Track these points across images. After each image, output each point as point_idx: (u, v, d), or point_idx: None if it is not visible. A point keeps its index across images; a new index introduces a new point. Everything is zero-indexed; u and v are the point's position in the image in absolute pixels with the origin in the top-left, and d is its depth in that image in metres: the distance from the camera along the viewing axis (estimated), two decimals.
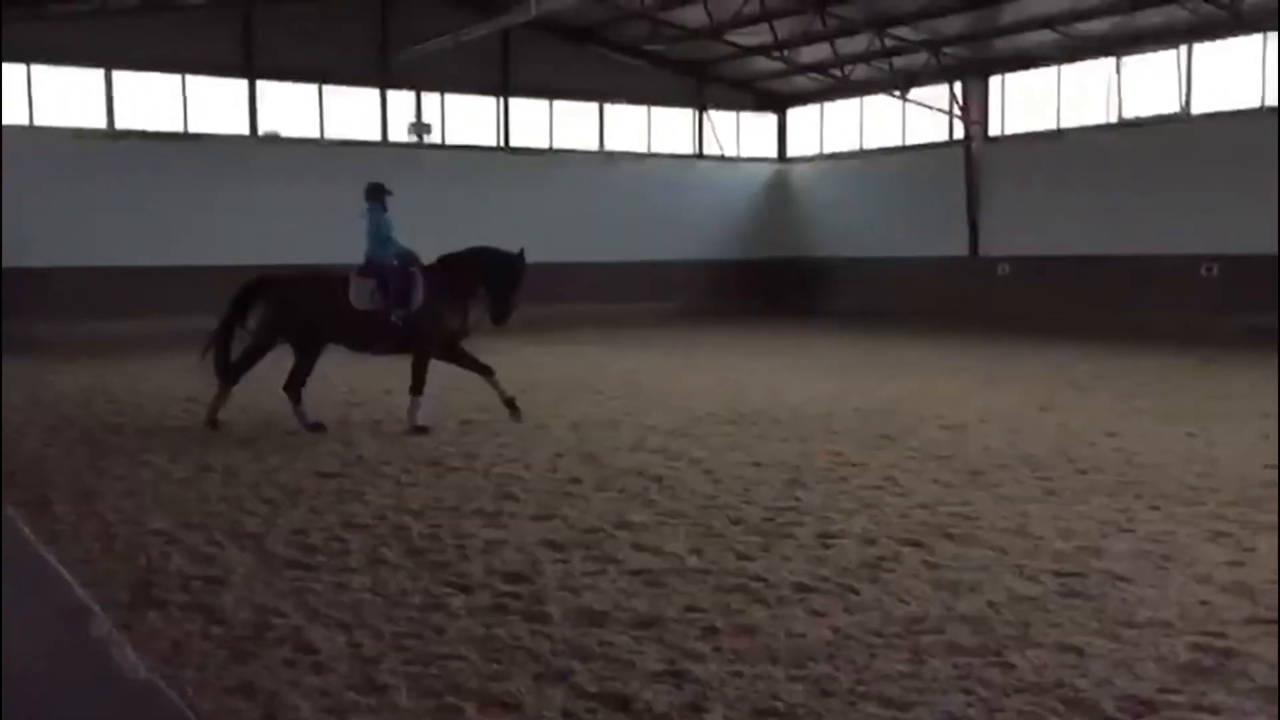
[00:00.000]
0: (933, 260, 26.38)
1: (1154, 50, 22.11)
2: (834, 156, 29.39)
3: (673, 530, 6.58)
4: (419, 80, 25.56)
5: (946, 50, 24.36)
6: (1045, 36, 22.71)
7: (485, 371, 10.86)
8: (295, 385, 10.49)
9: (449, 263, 10.89)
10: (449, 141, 26.56)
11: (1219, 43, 21.05)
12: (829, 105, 29.30)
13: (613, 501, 7.38)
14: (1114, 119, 23.08)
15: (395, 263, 10.78)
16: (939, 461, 8.65)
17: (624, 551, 6.11)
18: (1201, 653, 4.47)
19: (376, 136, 25.73)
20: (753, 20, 22.80)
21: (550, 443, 9.64)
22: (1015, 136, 25.19)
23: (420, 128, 26.18)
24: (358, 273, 10.79)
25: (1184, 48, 21.64)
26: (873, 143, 28.36)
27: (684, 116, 29.38)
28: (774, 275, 29.61)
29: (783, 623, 4.91)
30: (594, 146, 28.26)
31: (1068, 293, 23.38)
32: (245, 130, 24.19)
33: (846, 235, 28.29)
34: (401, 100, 25.98)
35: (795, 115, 30.50)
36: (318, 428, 10.31)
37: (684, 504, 7.27)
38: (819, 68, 25.73)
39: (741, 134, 30.34)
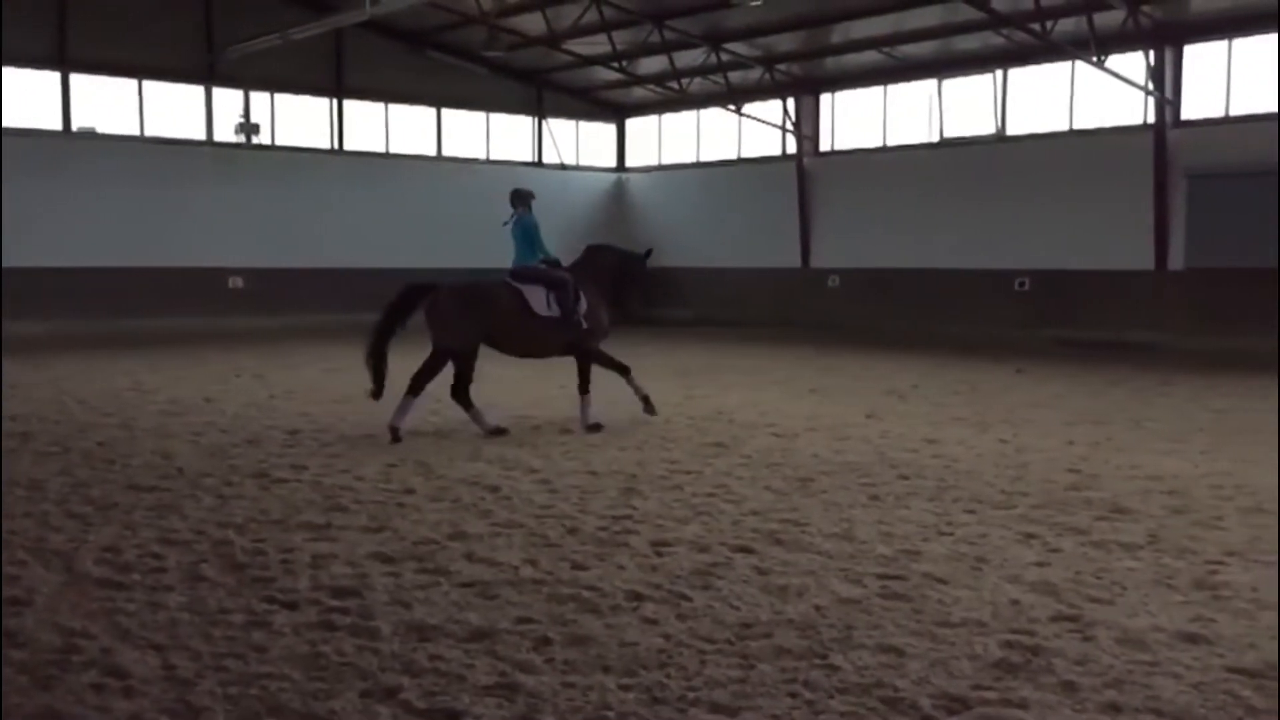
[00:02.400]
0: (767, 271, 27.03)
1: (972, 74, 23.22)
2: (672, 167, 29.80)
3: (507, 540, 6.53)
4: (247, 78, 24.75)
5: (780, 67, 25.03)
6: (872, 57, 23.59)
7: (623, 370, 11.33)
8: (464, 392, 10.53)
9: (588, 264, 11.39)
10: (279, 142, 25.80)
11: (1031, 68, 22.25)
12: (667, 117, 29.71)
13: (447, 512, 7.27)
14: (936, 138, 24.11)
15: (546, 266, 11.01)
16: (770, 469, 8.84)
17: (457, 563, 6.03)
18: (1011, 650, 4.68)
19: (201, 135, 24.79)
20: (592, 30, 22.92)
21: (383, 453, 9.45)
22: (844, 152, 26.05)
23: (248, 128, 25.36)
24: (514, 278, 10.89)
25: (999, 72, 22.80)
26: (710, 155, 28.88)
27: (523, 124, 29.32)
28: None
29: (616, 632, 4.92)
30: (431, 151, 27.92)
31: (893, 304, 24.29)
32: (59, 126, 22.97)
33: (684, 245, 28.70)
34: (228, 98, 25.11)
35: (634, 125, 30.81)
36: (500, 431, 10.37)
37: (519, 514, 7.22)
38: (657, 79, 26.07)
39: (581, 143, 30.47)
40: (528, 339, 10.81)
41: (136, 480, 8.20)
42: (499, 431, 10.40)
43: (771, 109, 26.44)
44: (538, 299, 10.71)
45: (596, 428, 10.67)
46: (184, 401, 12.62)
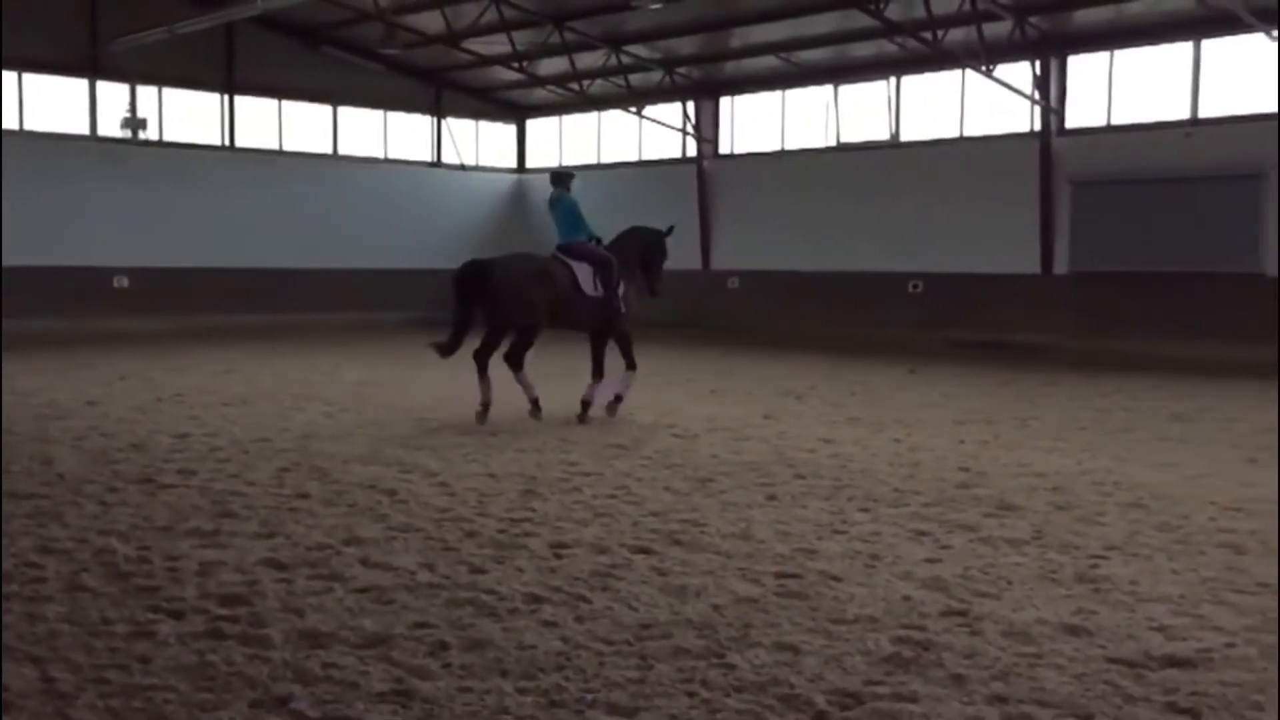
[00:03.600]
0: (667, 273, 27.03)
1: (867, 80, 23.67)
2: (573, 169, 29.71)
3: (404, 545, 6.44)
4: (134, 72, 24.01)
5: (680, 70, 25.19)
6: (770, 62, 23.89)
7: (631, 365, 12.13)
8: (519, 358, 11.11)
9: (619, 245, 11.90)
10: (167, 138, 25.10)
11: (924, 75, 22.77)
12: (568, 118, 29.67)
13: (342, 516, 7.14)
14: (833, 143, 24.52)
15: (590, 243, 11.59)
16: (670, 469, 8.88)
17: (352, 568, 5.93)
18: (903, 645, 4.78)
19: (84, 130, 23.97)
20: (491, 30, 22.77)
21: (275, 457, 9.24)
22: (744, 156, 26.33)
23: (134, 122, 24.58)
24: (565, 253, 11.46)
25: (893, 79, 23.29)
26: (610, 157, 28.92)
27: (422, 123, 29.00)
28: None
29: (514, 635, 4.89)
30: (327, 150, 27.45)
31: (791, 306, 24.62)
32: None
33: None
34: (113, 93, 24.32)
35: (535, 126, 30.70)
36: (537, 407, 11.09)
37: (417, 518, 7.13)
38: (558, 80, 26.02)
39: (480, 143, 30.25)
40: (575, 316, 11.50)
41: (14, 487, 7.89)
42: (535, 409, 11.13)
43: (672, 112, 26.60)
44: (586, 278, 11.33)
45: (617, 404, 11.68)
46: (65, 405, 12.17)
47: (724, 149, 26.71)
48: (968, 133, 22.54)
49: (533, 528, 6.89)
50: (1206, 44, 19.27)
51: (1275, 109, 18.39)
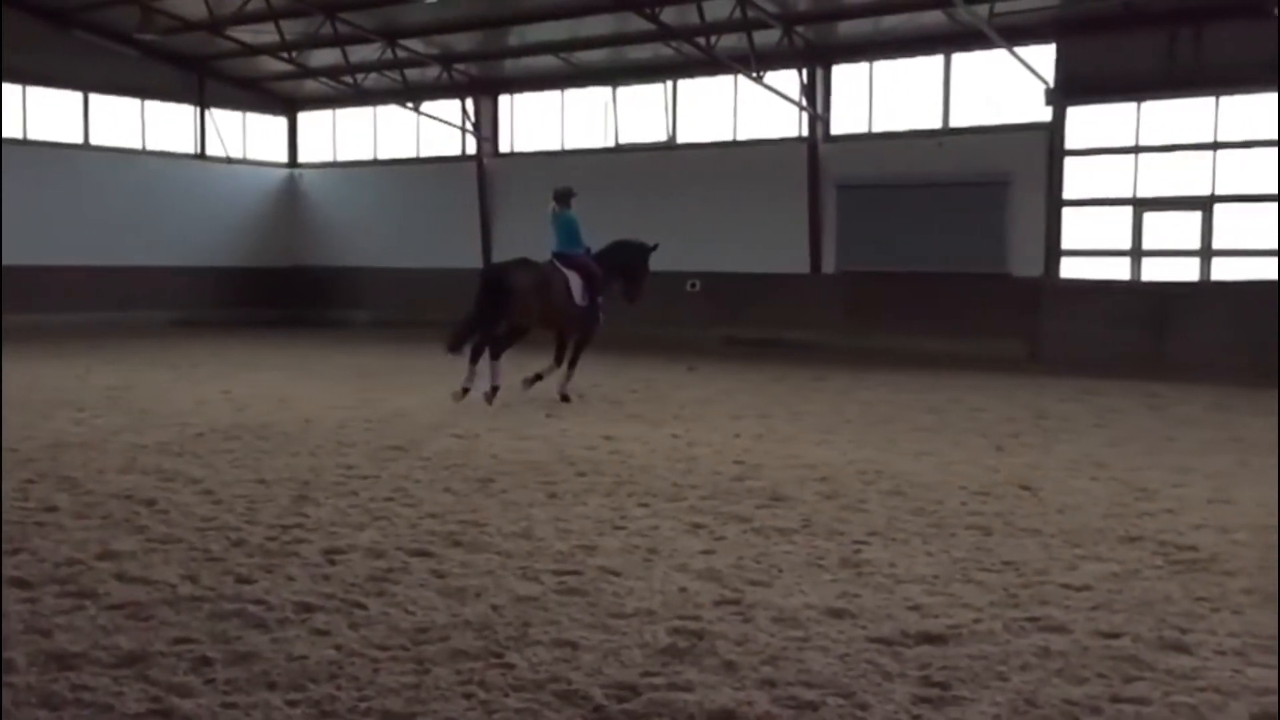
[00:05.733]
0: (449, 272, 26.80)
1: (644, 82, 24.07)
2: (348, 164, 28.97)
3: (164, 557, 6.10)
4: None
5: (458, 67, 24.91)
6: (550, 61, 23.94)
7: (572, 365, 13.03)
8: (501, 350, 12.31)
9: (605, 256, 13.16)
10: None
11: (698, 79, 23.34)
12: (342, 112, 28.85)
13: (95, 530, 6.69)
14: (612, 143, 24.80)
15: (584, 255, 12.79)
16: (450, 470, 8.77)
17: (106, 584, 5.57)
18: (679, 635, 4.88)
19: None
20: (258, 18, 21.88)
21: (21, 467, 8.57)
22: (524, 154, 26.29)
23: None
24: (561, 262, 12.68)
25: (669, 82, 23.77)
26: (387, 153, 28.31)
27: (184, 113, 27.56)
28: (285, 284, 28.63)
29: (283, 646, 4.71)
30: (78, 139, 25.72)
31: None
32: None
33: (362, 245, 28.03)
34: None
35: (307, 119, 29.71)
36: (494, 394, 12.13)
37: (179, 528, 6.76)
38: (330, 73, 25.26)
39: (248, 136, 29.02)
40: (563, 323, 12.79)
41: None
42: (490, 395, 12.12)
43: (451, 108, 26.27)
44: (578, 288, 12.59)
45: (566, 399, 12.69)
46: None
47: (504, 147, 26.60)
48: (741, 136, 23.25)
49: (305, 534, 6.66)
50: (956, 58, 20.57)
51: (1017, 120, 19.86)
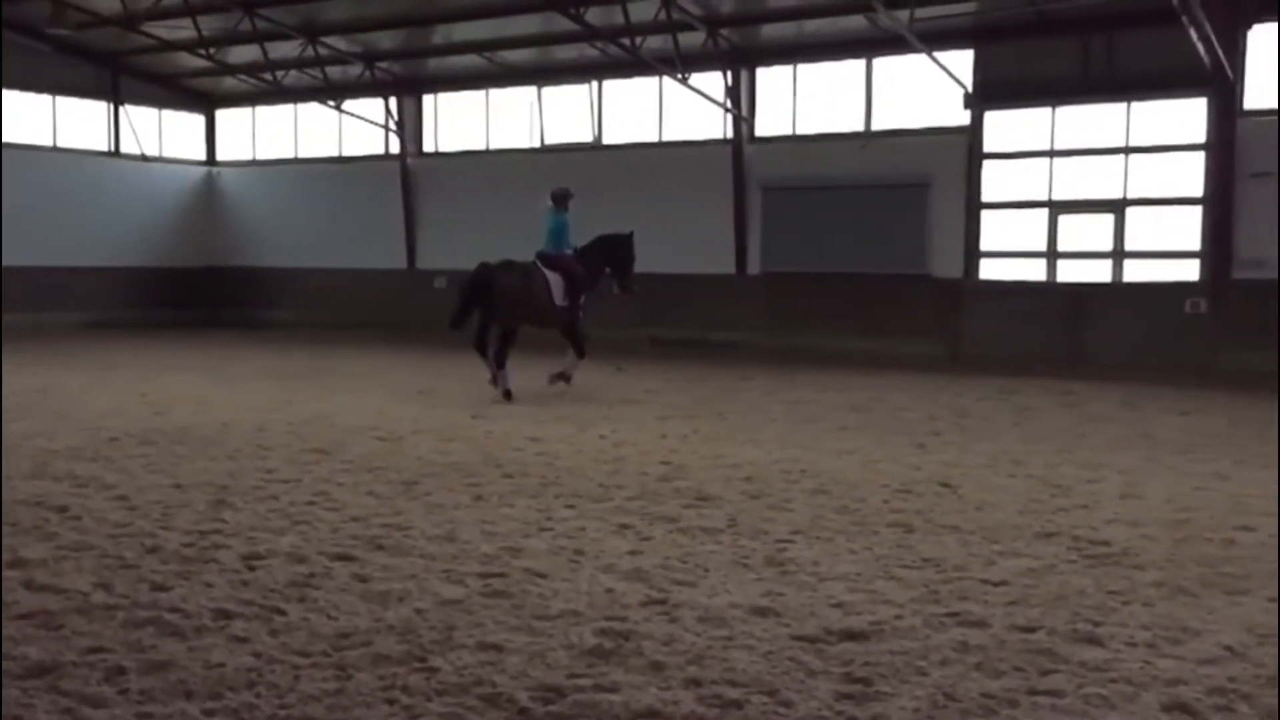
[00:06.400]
0: (373, 272, 26.51)
1: (570, 83, 24.02)
2: (268, 163, 28.48)
3: (76, 564, 5.94)
4: None
5: (381, 65, 24.62)
6: (474, 61, 23.77)
7: (580, 353, 13.97)
8: (505, 354, 13.24)
9: (589, 251, 13.88)
10: None
11: (624, 80, 23.35)
12: (261, 109, 28.35)
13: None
14: (537, 143, 24.70)
15: (570, 255, 13.59)
16: (373, 473, 8.67)
17: (14, 593, 5.41)
18: (605, 636, 4.88)
19: None
20: (174, 14, 21.40)
21: None
22: (449, 154, 26.06)
23: None
24: (544, 263, 13.50)
25: (595, 83, 23.74)
26: (309, 151, 27.88)
27: (97, 109, 26.85)
28: (204, 285, 28.08)
29: (200, 654, 4.61)
30: None
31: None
32: None
33: (284, 244, 27.58)
34: None
35: (225, 117, 29.15)
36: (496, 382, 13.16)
37: (91, 535, 6.59)
38: (250, 70, 24.80)
39: (165, 133, 28.37)
40: (544, 320, 13.64)
41: None
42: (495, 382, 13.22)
43: (374, 107, 25.96)
44: (558, 289, 13.37)
45: (562, 378, 13.70)
46: None
47: (428, 146, 26.35)
48: (666, 137, 23.31)
49: (223, 539, 6.53)
50: (878, 61, 20.84)
51: (937, 124, 20.20)
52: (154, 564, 5.99)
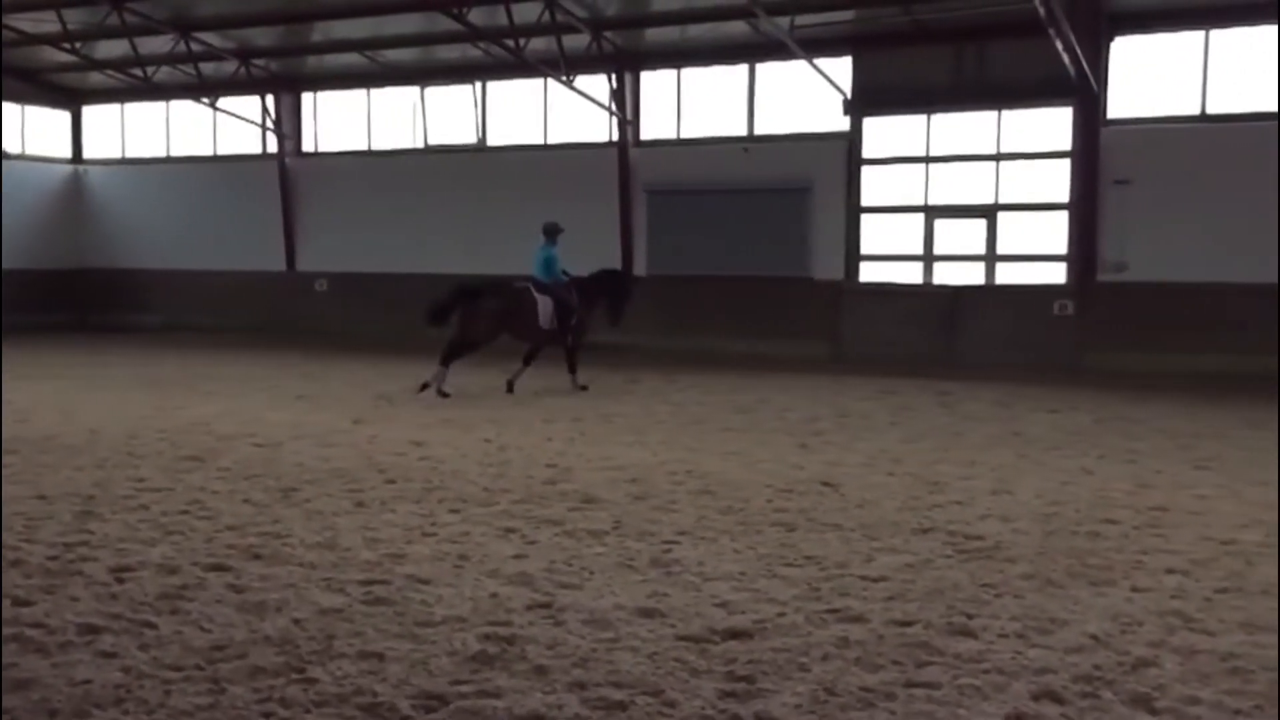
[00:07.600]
0: (250, 274, 25.83)
1: (453, 83, 23.78)
2: (138, 161, 27.52)
3: None
4: None
5: (256, 62, 24.01)
6: (355, 59, 23.36)
7: (572, 366, 15.05)
8: (452, 359, 13.88)
9: (585, 282, 15.16)
10: None
11: (508, 82, 23.21)
12: (131, 106, 27.39)
13: None
14: (421, 144, 24.39)
15: (562, 283, 14.74)
16: (250, 481, 8.45)
17: None
18: (489, 642, 4.84)
19: None
20: (37, 6, 20.53)
21: None
22: (329, 154, 25.55)
23: None
24: (537, 288, 14.51)
25: (479, 84, 23.56)
26: (182, 150, 27.04)
27: None
28: (71, 287, 27.00)
29: (65, 670, 4.43)
30: None
31: (383, 308, 24.20)
32: None
33: (154, 246, 26.71)
34: None
35: (92, 114, 28.08)
36: (430, 387, 13.77)
37: None
38: (118, 65, 23.93)
39: (28, 130, 27.20)
40: (529, 339, 14.58)
41: None
42: (429, 388, 13.76)
43: (250, 105, 25.29)
44: (545, 313, 14.36)
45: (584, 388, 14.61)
46: None
47: (307, 146, 25.79)
48: (552, 140, 23.25)
49: (90, 551, 6.29)
50: (760, 67, 21.13)
51: (818, 129, 20.59)
52: (16, 578, 5.73)
